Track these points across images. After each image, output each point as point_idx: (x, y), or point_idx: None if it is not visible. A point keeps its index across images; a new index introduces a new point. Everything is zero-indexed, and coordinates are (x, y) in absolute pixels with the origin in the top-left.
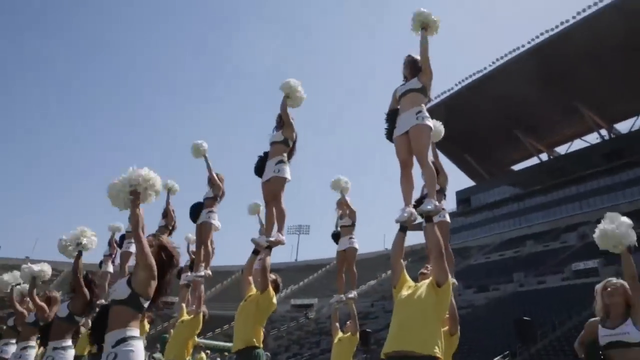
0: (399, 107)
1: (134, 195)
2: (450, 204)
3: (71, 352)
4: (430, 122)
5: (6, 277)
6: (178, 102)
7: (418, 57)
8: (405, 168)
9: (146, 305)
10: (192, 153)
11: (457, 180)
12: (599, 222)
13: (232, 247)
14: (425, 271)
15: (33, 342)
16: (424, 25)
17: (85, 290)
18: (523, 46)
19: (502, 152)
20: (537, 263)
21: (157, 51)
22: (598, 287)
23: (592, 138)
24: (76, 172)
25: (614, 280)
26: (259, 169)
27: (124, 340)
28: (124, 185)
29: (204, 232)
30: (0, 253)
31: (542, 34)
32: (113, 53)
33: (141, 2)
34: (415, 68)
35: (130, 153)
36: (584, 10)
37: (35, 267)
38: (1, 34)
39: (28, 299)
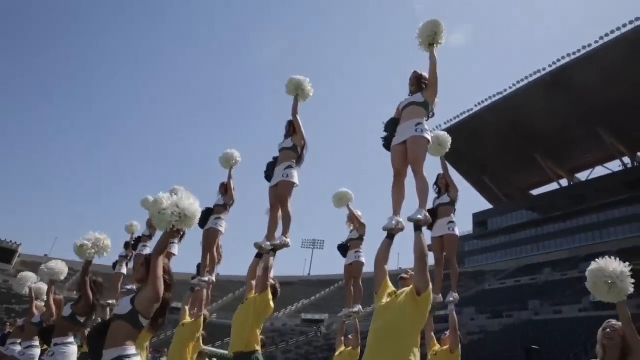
0: (399, 117)
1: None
2: (466, 226)
3: (73, 348)
4: (429, 136)
5: (23, 275)
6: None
7: (424, 74)
8: (398, 177)
9: (145, 324)
10: (221, 162)
11: (474, 202)
12: (620, 252)
13: (245, 257)
14: (406, 276)
15: (37, 342)
16: (432, 41)
17: (90, 293)
18: (544, 69)
19: (521, 175)
20: (553, 292)
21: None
22: (600, 329)
23: (615, 165)
24: (95, 174)
25: (614, 322)
26: (269, 176)
27: (119, 359)
28: (167, 215)
29: (210, 238)
30: (21, 250)
31: (563, 57)
32: (111, 52)
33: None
34: (420, 84)
35: (141, 154)
36: (606, 35)
37: (52, 267)
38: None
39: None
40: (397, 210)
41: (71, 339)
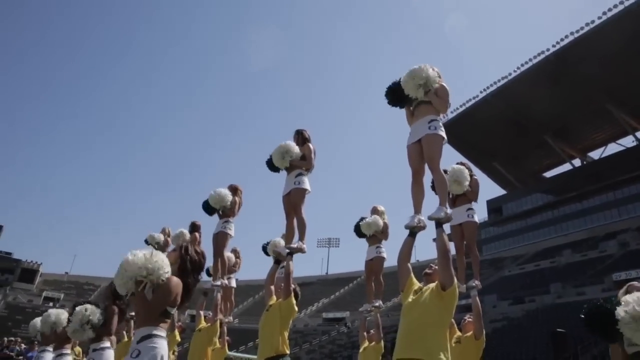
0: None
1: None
2: (481, 213)
3: (110, 352)
4: (443, 133)
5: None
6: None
7: (436, 68)
8: (417, 176)
9: (173, 311)
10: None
11: (488, 189)
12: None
13: (260, 261)
14: (429, 271)
15: (68, 350)
16: (426, 89)
17: (114, 307)
18: (548, 50)
19: (532, 159)
20: (575, 273)
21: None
22: (621, 291)
23: (628, 141)
24: (112, 192)
25: (637, 283)
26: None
27: (148, 337)
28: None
29: (219, 242)
30: (42, 269)
31: (566, 36)
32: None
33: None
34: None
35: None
36: (610, 10)
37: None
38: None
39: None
40: (417, 209)
41: (107, 344)
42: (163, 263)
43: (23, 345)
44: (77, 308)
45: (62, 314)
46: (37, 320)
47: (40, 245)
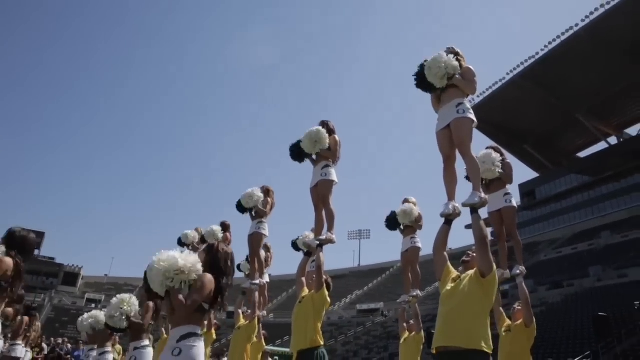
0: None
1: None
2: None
3: (150, 350)
4: (472, 115)
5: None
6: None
7: (458, 50)
8: (448, 162)
9: (207, 307)
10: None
11: (519, 172)
12: None
13: (295, 256)
14: (467, 258)
15: (109, 348)
16: (449, 76)
17: (151, 304)
18: (577, 25)
19: (565, 139)
20: (616, 255)
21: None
22: None
23: None
24: (144, 194)
25: None
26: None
27: (188, 336)
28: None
29: (255, 242)
30: (84, 272)
31: (596, 9)
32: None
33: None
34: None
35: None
36: None
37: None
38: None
39: None
40: (451, 196)
41: (147, 342)
42: (195, 261)
43: (69, 345)
44: (118, 296)
45: (99, 315)
46: (81, 320)
47: (81, 250)
